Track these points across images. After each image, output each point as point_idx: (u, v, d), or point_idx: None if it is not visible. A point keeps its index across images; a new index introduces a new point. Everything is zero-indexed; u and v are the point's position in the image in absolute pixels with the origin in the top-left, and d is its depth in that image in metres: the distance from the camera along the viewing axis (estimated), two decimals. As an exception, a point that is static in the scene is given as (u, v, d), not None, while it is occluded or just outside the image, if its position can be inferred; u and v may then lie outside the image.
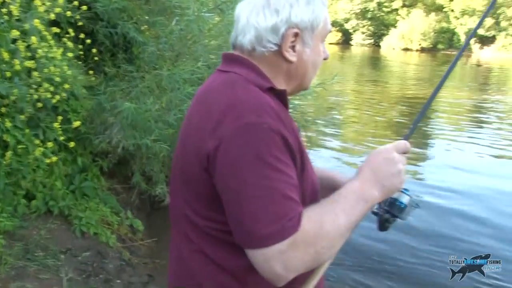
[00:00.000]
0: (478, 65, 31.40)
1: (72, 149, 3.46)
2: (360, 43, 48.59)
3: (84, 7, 3.30)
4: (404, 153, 1.12)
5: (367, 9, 48.12)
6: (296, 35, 1.08)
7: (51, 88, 2.92)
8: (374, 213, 1.18)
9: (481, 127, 10.17)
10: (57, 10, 3.06)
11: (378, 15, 48.13)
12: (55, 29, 3.15)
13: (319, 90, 4.05)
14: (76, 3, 3.25)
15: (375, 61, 32.03)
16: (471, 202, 5.34)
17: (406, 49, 43.24)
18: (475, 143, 8.48)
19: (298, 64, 1.11)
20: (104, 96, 3.34)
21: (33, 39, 2.85)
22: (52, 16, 3.05)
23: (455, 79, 21.69)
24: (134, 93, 3.14)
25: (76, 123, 3.00)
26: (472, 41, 42.42)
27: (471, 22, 41.39)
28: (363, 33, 48.95)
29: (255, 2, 1.08)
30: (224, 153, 0.94)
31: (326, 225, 0.95)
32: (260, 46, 1.07)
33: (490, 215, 4.93)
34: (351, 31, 49.67)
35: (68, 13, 3.27)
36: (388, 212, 1.18)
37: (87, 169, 3.72)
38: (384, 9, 47.89)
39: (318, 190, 1.12)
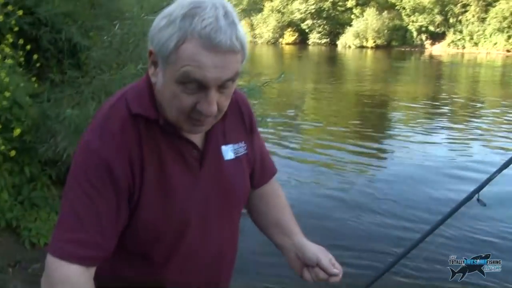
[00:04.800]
0: (431, 58, 32.45)
1: (18, 159, 3.37)
2: (316, 42, 49.24)
3: (20, 12, 3.20)
4: None
5: (322, 8, 48.82)
6: (150, 53, 0.96)
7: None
8: None
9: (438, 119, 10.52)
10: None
11: (333, 14, 48.92)
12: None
13: (269, 88, 4.07)
14: (10, 7, 3.16)
15: (332, 59, 32.52)
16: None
17: (362, 47, 44.13)
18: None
19: (157, 88, 0.98)
20: (49, 103, 3.26)
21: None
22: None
23: (411, 74, 22.34)
24: (79, 99, 3.09)
25: (16, 131, 2.92)
26: (423, 37, 43.75)
27: (422, 19, 42.69)
28: (319, 32, 49.61)
29: None
30: None
31: None
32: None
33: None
34: (307, 30, 50.26)
35: (13, 21, 3.19)
36: None
37: (35, 179, 3.62)
38: (339, 8, 48.72)
39: (160, 231, 1.04)
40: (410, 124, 10.05)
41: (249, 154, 1.21)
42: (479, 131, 9.32)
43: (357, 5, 47.39)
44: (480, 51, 37.75)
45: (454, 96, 14.24)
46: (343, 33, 47.15)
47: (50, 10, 3.98)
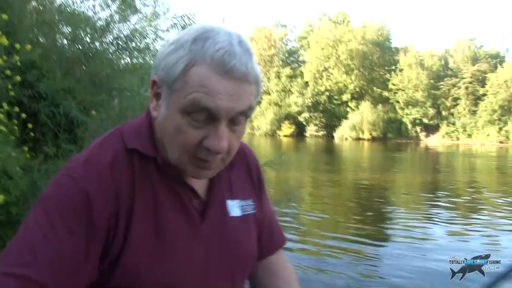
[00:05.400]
0: (427, 149, 32.91)
1: (1, 232, 3.19)
2: (314, 134, 50.26)
3: (17, 77, 3.21)
4: None
5: (319, 102, 50.47)
6: (153, 83, 0.86)
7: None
8: None
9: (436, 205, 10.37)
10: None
11: (329, 107, 50.47)
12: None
13: (268, 175, 4.04)
14: (8, 72, 3.17)
15: (330, 150, 32.96)
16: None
17: (358, 139, 44.97)
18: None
19: (158, 122, 0.87)
20: (39, 174, 3.15)
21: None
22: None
23: (408, 164, 22.52)
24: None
25: (0, 197, 2.78)
26: (418, 129, 44.83)
27: (415, 112, 44.04)
28: (315, 124, 50.85)
29: None
30: None
31: None
32: None
33: None
34: (304, 123, 51.53)
35: (11, 93, 3.20)
36: None
37: (19, 256, 3.41)
38: (335, 101, 50.38)
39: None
40: (410, 213, 9.89)
41: (257, 215, 1.04)
42: (479, 217, 9.20)
43: (352, 98, 49.09)
44: (475, 142, 38.46)
45: (452, 184, 14.22)
46: (339, 125, 48.32)
47: (51, 86, 4.02)
